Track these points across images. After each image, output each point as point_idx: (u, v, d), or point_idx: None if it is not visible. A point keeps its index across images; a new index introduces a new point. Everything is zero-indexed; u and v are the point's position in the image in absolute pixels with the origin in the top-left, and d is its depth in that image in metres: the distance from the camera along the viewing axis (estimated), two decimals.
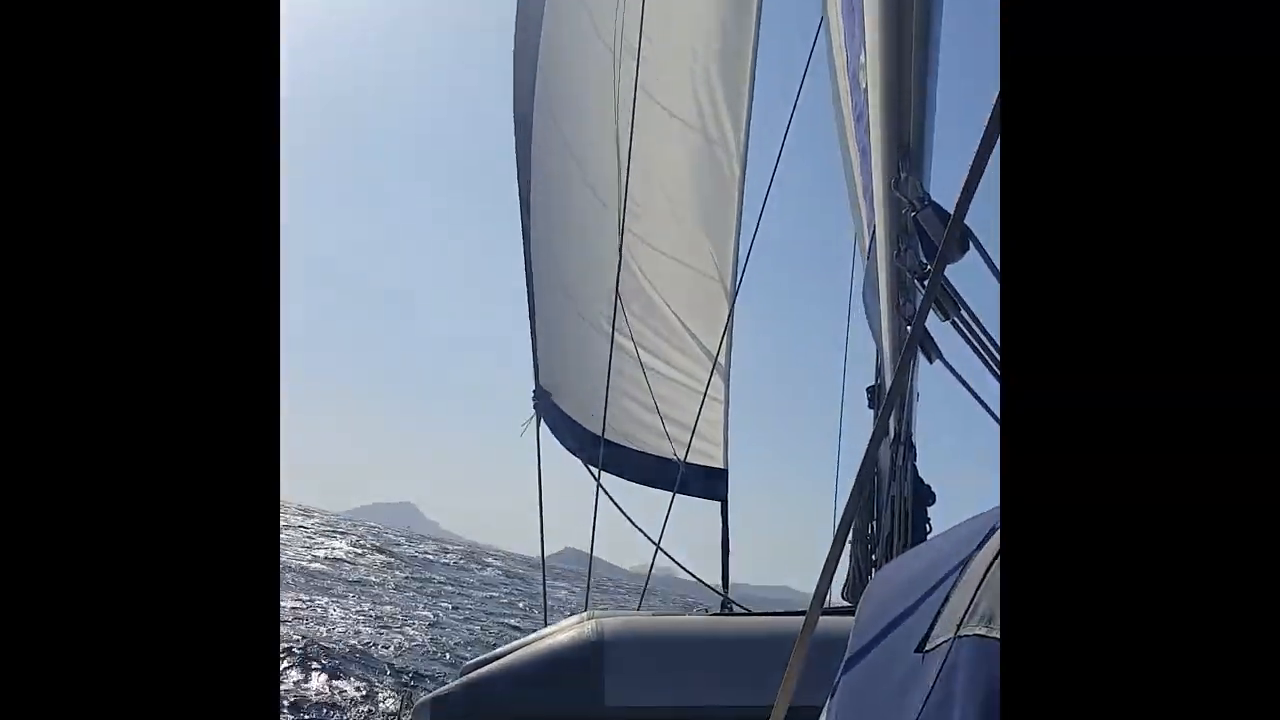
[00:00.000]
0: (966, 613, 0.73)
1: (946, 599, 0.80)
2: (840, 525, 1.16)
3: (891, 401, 1.25)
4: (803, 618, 1.04)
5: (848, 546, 3.34)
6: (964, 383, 1.97)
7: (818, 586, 1.11)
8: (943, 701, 0.69)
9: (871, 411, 3.49)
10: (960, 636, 0.72)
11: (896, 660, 0.82)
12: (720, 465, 5.24)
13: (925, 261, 2.17)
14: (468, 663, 2.59)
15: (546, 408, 4.83)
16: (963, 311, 1.78)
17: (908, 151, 2.11)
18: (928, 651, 0.77)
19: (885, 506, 3.17)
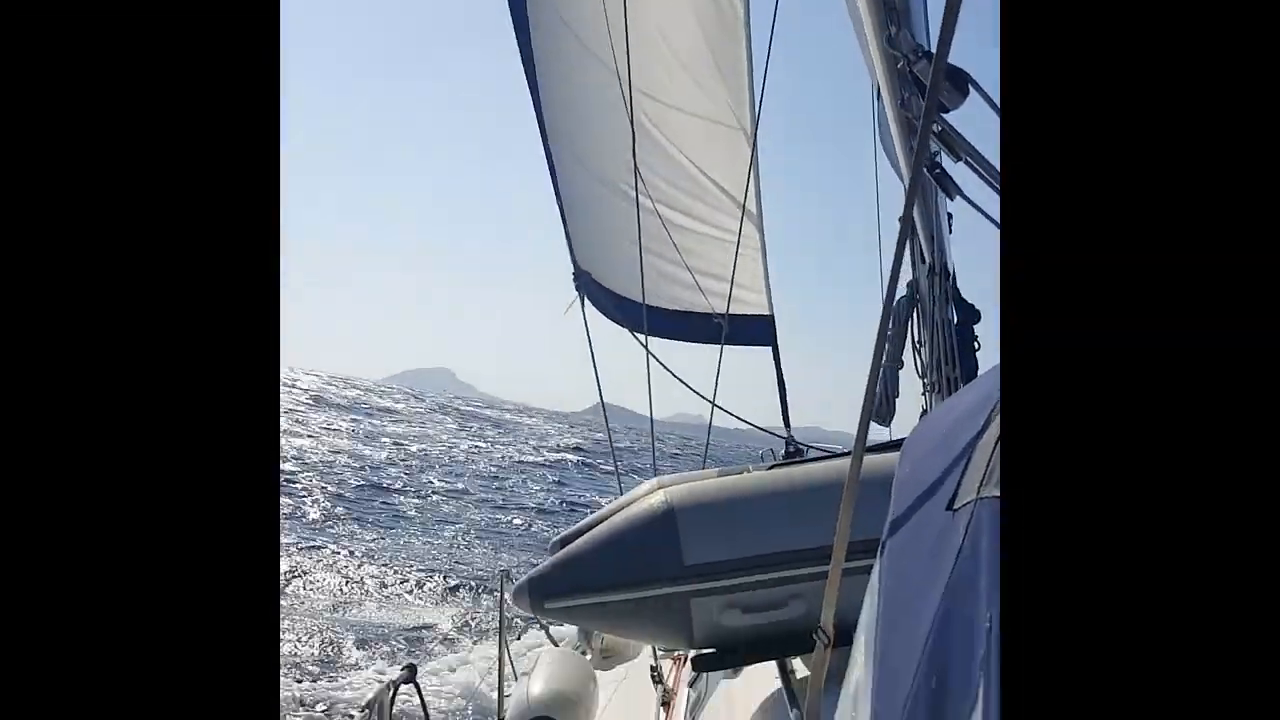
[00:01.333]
0: (986, 473, 0.79)
1: (970, 459, 0.85)
2: (874, 358, 1.20)
3: (905, 233, 1.28)
4: (869, 455, 1.10)
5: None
6: (987, 216, 1.98)
7: (859, 429, 1.16)
8: (971, 557, 0.75)
9: (908, 241, 3.47)
10: (981, 498, 0.77)
11: (931, 519, 0.88)
12: (765, 312, 5.29)
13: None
14: (554, 540, 2.78)
15: (588, 286, 4.88)
16: (968, 155, 1.80)
17: (894, 8, 2.10)
18: (956, 510, 0.83)
19: (932, 335, 3.21)
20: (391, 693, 2.55)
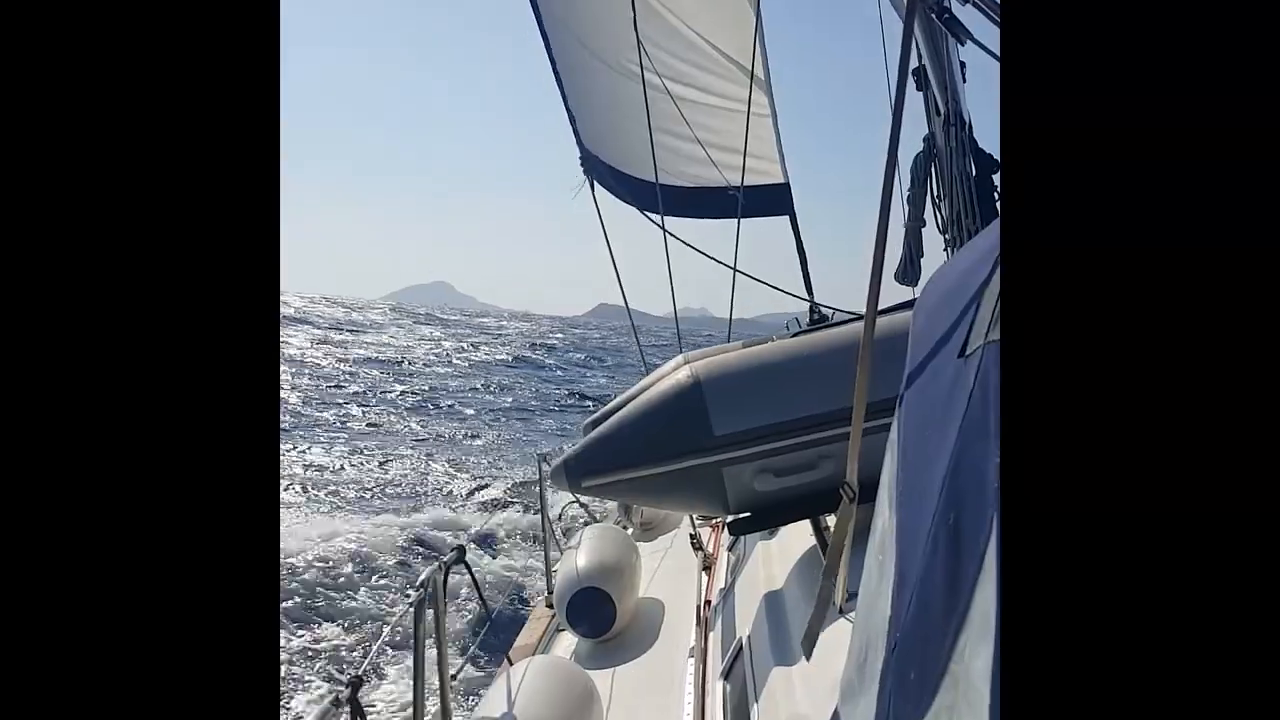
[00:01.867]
0: (993, 317, 0.81)
1: (979, 305, 0.88)
2: (880, 212, 1.21)
3: (904, 71, 1.25)
4: (883, 317, 1.12)
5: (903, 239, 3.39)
6: (997, 59, 1.92)
7: (870, 286, 1.17)
8: (981, 401, 0.78)
9: (921, 94, 3.38)
10: (989, 342, 0.80)
11: (945, 368, 0.91)
12: (781, 180, 5.21)
13: None
14: (587, 420, 2.87)
15: (595, 168, 4.82)
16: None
17: None
18: (968, 356, 0.86)
19: (951, 188, 3.17)
20: (444, 572, 2.70)
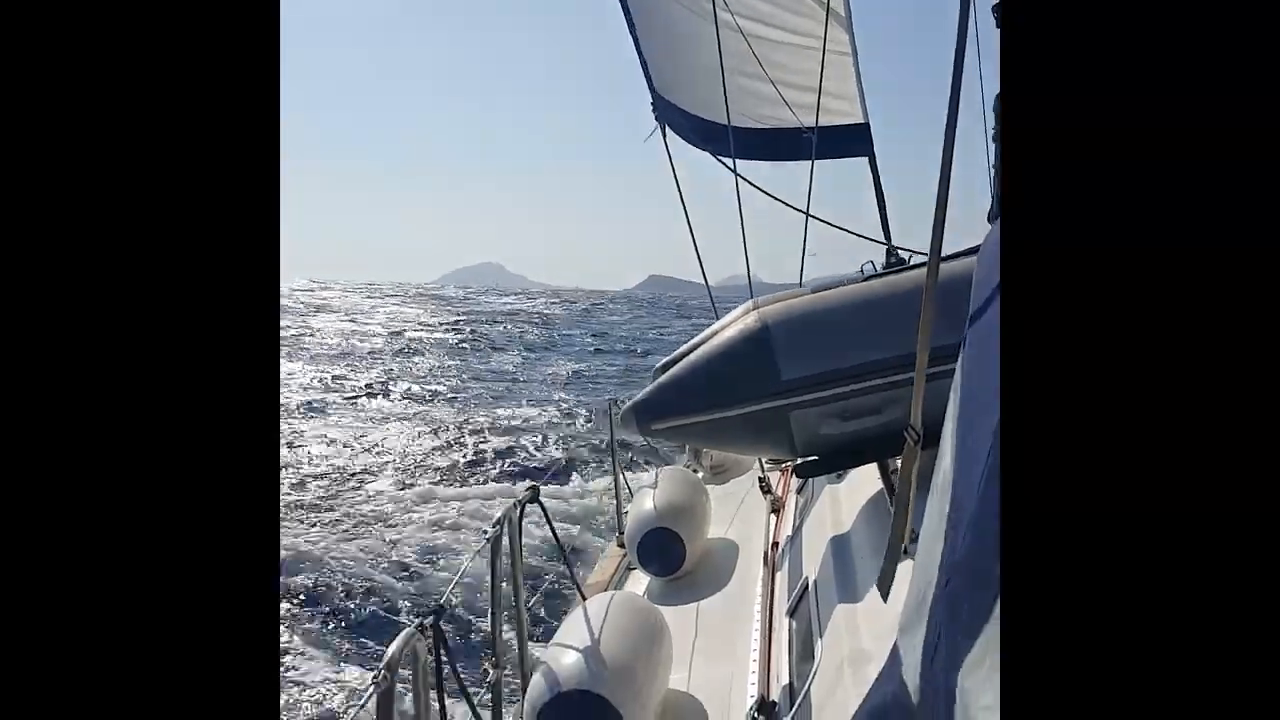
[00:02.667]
0: None
1: None
2: (943, 155, 1.19)
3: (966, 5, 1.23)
4: (949, 262, 1.12)
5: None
6: None
7: (932, 239, 1.17)
8: None
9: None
10: None
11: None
12: (860, 120, 5.07)
13: None
14: (657, 365, 2.91)
15: (667, 111, 4.76)
16: None
17: None
18: None
19: None
20: (519, 510, 2.80)
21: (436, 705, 2.27)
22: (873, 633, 2.03)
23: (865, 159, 4.97)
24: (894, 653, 1.15)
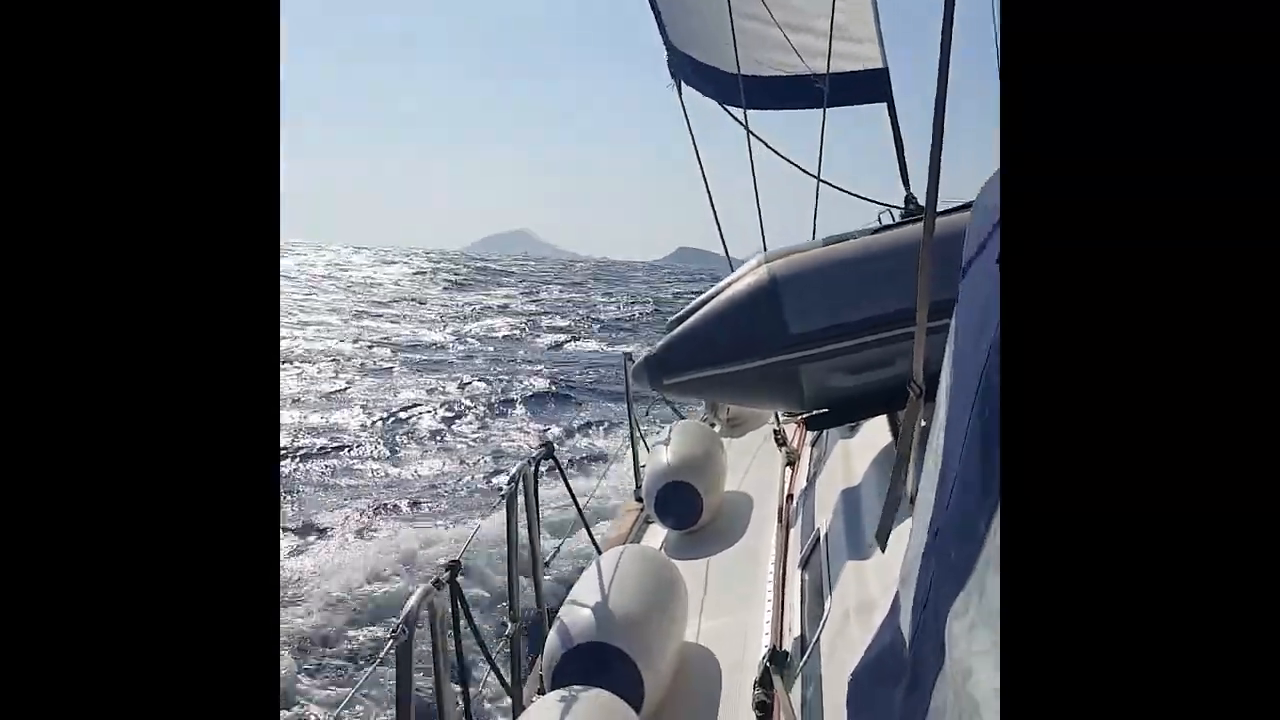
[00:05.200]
0: None
1: None
2: (935, 106, 1.17)
3: None
4: (952, 215, 1.11)
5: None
6: None
7: (928, 190, 1.15)
8: None
9: None
10: None
11: (989, 270, 0.90)
12: (878, 65, 4.95)
13: None
14: (670, 319, 2.91)
15: (681, 64, 4.67)
16: None
17: None
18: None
19: None
20: (534, 465, 2.82)
21: (455, 660, 2.32)
22: (880, 584, 2.05)
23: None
24: (895, 602, 1.16)
